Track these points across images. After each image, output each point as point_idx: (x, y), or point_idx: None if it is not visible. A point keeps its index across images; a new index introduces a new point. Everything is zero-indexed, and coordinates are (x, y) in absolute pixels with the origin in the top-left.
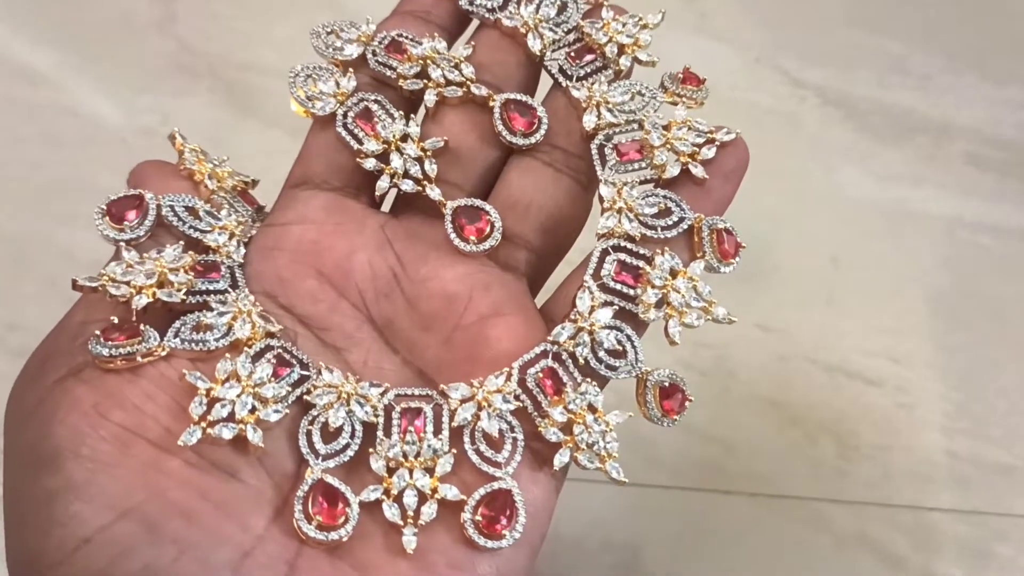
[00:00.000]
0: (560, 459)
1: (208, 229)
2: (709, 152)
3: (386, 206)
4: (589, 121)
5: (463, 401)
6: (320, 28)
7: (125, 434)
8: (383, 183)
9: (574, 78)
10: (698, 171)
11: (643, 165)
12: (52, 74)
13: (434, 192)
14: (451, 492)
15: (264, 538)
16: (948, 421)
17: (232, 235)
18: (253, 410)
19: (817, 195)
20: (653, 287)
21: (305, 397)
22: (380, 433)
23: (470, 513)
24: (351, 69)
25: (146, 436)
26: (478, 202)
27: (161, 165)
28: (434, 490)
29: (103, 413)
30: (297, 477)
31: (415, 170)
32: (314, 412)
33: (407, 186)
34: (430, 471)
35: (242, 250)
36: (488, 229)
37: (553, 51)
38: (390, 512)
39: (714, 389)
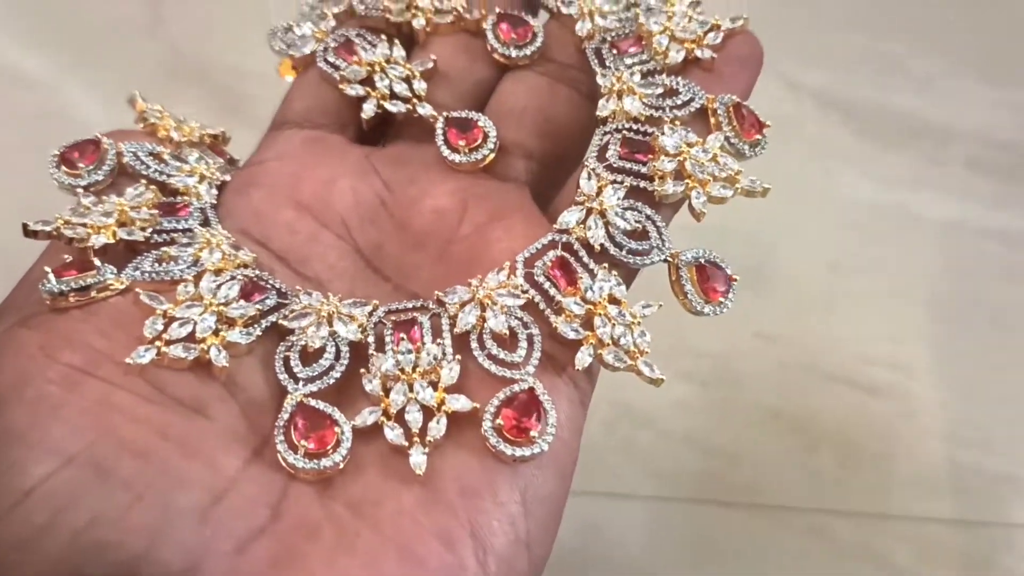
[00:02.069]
0: (582, 358)
1: (174, 172)
2: (716, 37)
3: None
4: (582, 28)
5: (463, 304)
6: None
7: (75, 374)
8: (369, 107)
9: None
10: (706, 54)
11: (643, 57)
12: (42, 78)
13: (425, 109)
14: (460, 402)
15: (239, 480)
16: (950, 430)
17: (203, 177)
18: (217, 332)
19: (816, 200)
20: (667, 155)
21: (281, 322)
22: (372, 351)
23: (490, 420)
24: (328, 13)
25: (97, 374)
26: (470, 113)
27: (119, 131)
28: (441, 403)
29: (51, 354)
30: (277, 413)
31: (402, 89)
32: (292, 337)
33: (395, 107)
34: (433, 384)
35: (213, 191)
36: (480, 138)
37: None
38: (392, 434)
39: (713, 399)
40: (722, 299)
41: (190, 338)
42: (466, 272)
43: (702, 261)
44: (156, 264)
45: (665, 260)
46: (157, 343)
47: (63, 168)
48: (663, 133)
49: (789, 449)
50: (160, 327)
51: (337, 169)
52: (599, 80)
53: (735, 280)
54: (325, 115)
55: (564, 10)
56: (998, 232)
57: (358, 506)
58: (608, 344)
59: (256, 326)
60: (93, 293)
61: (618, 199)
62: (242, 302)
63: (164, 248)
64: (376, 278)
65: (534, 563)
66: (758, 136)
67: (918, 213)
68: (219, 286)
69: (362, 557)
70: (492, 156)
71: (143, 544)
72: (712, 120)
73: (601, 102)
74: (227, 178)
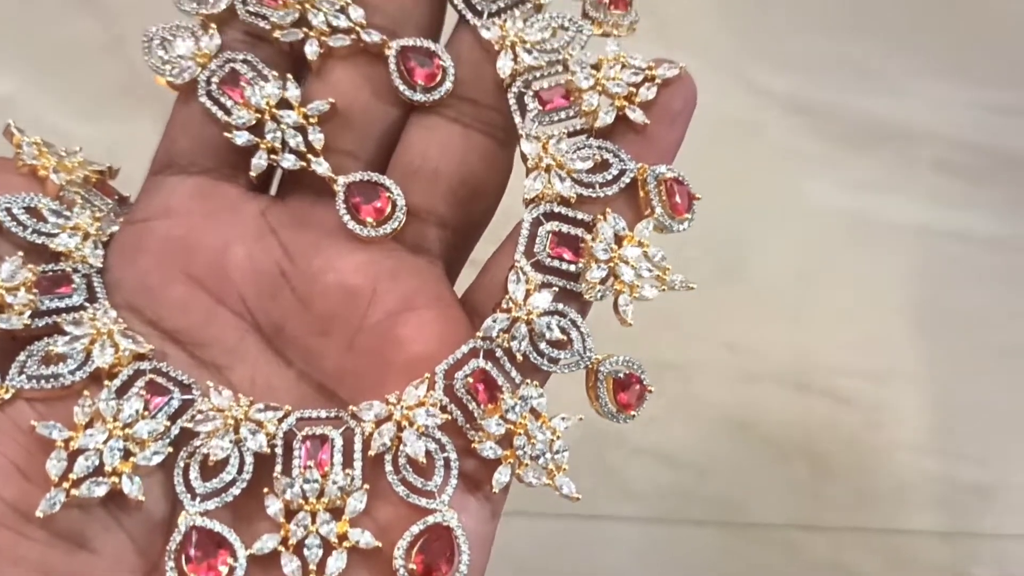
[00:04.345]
0: (499, 479)
1: (55, 232)
2: (649, 92)
3: (274, 185)
4: (504, 66)
5: (379, 422)
6: None
7: None
8: (259, 160)
9: (484, 14)
10: (637, 115)
11: (571, 113)
12: None
13: (322, 167)
14: (364, 538)
15: None
16: (921, 439)
17: (87, 236)
18: (127, 455)
19: (783, 207)
20: (598, 262)
21: (186, 425)
22: (278, 468)
23: (402, 561)
24: (213, 27)
25: None
26: (375, 176)
27: None
28: (343, 536)
29: None
30: (171, 531)
31: (296, 142)
32: (196, 443)
33: (288, 162)
34: (337, 514)
35: (100, 252)
36: (389, 208)
37: None
38: (289, 567)
39: (680, 413)
40: (633, 411)
41: (98, 471)
42: (376, 368)
43: (620, 376)
44: (43, 366)
45: (585, 368)
46: (64, 484)
47: None
48: (595, 233)
49: (761, 463)
50: (65, 464)
51: (231, 231)
52: (524, 147)
53: (650, 391)
54: (214, 157)
55: (484, 34)
56: (966, 235)
57: None
58: (526, 463)
59: (165, 438)
60: None
61: (546, 305)
62: (147, 418)
63: (50, 342)
64: (279, 362)
65: None
66: (687, 215)
67: (886, 218)
68: (120, 403)
69: None
70: (400, 226)
71: None
72: (641, 192)
73: (528, 181)
74: (115, 229)
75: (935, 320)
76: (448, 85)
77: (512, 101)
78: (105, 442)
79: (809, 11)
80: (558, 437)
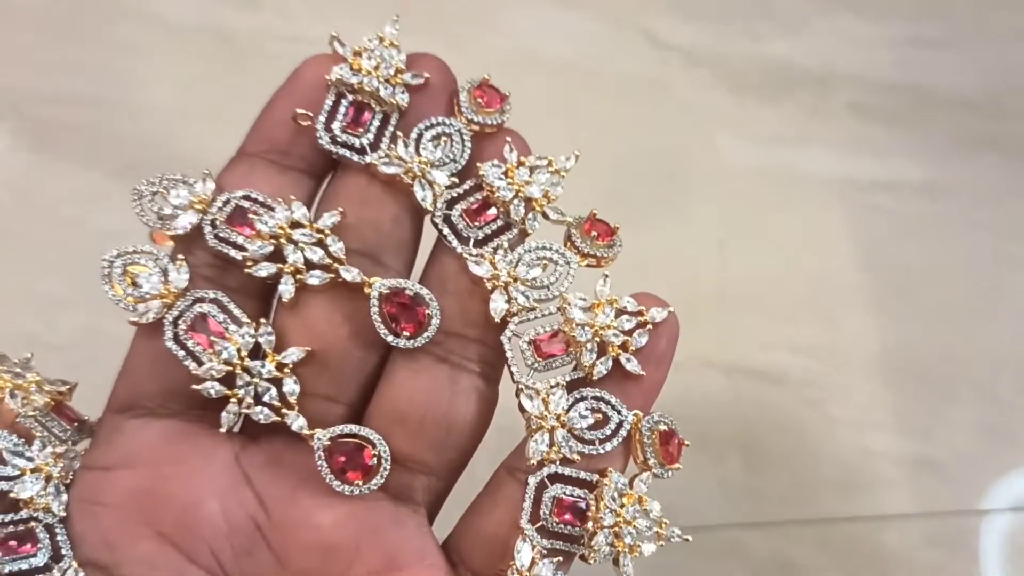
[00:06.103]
0: None
1: (15, 474)
2: (641, 339)
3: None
4: (498, 308)
5: None
6: (144, 186)
7: None
8: (228, 417)
9: (471, 241)
10: (632, 366)
11: (567, 360)
12: None
13: (296, 422)
14: None
15: None
16: (861, 414)
17: (49, 478)
18: None
19: (694, 170)
20: (603, 527)
21: None
22: None
23: None
24: (181, 259)
25: None
26: (356, 429)
27: None
28: None
29: None
30: None
31: (270, 395)
32: None
33: (262, 416)
34: None
35: (64, 497)
36: (375, 463)
37: (442, 201)
38: None
39: None
40: None
41: None
42: None
43: None
44: None
45: None
46: None
47: None
48: (600, 497)
49: (691, 458)
50: None
51: (202, 482)
52: (524, 403)
53: None
54: (179, 399)
55: (474, 269)
56: (892, 185)
57: None
58: None
59: None
60: None
61: (549, 573)
62: None
63: None
64: None
65: None
66: (677, 464)
67: (805, 172)
68: None
69: None
70: (385, 478)
71: None
72: (636, 441)
73: (532, 444)
74: (76, 466)
75: (866, 280)
76: (433, 330)
77: (506, 344)
78: None
79: None
80: None
